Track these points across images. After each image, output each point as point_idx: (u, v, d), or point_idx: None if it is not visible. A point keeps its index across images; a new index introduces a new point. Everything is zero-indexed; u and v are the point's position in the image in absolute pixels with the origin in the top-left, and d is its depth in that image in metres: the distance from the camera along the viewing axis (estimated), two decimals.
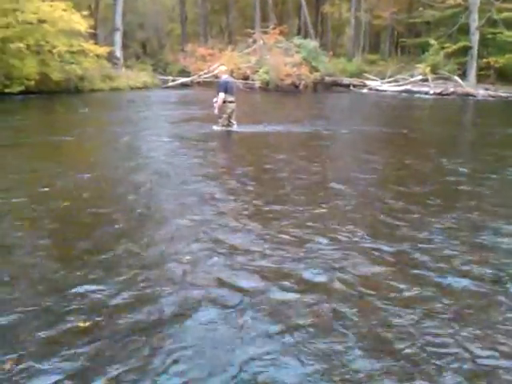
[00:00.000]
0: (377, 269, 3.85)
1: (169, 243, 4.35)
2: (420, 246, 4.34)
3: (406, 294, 3.44)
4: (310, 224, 4.88)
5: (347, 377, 2.52)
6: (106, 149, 9.53)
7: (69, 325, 2.98)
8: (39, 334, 2.88)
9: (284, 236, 4.53)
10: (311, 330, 2.94)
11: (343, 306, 3.23)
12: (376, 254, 4.15)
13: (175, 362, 2.63)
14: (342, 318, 3.09)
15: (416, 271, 3.82)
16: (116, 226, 4.76)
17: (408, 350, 2.75)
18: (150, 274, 3.69)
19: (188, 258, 3.98)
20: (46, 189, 6.11)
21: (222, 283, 3.55)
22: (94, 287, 3.45)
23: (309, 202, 5.69)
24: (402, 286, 3.53)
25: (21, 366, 2.58)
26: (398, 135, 12.27)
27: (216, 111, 11.15)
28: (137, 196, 5.91)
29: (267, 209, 5.45)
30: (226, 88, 10.95)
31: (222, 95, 10.84)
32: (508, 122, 15.84)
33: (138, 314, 3.10)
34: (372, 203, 5.83)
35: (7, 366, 2.59)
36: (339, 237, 4.55)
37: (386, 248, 4.27)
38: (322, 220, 5.05)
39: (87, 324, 2.99)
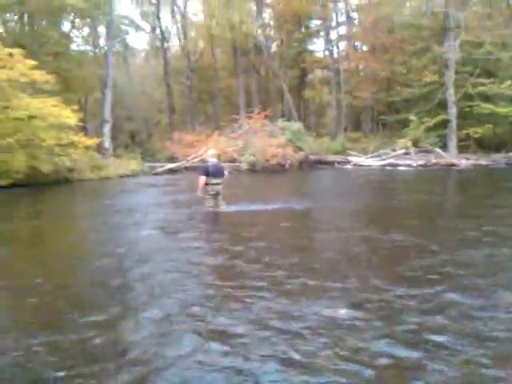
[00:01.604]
0: None
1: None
2: None
3: None
4: None
5: None
6: (83, 240, 9.59)
7: None
8: None
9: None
10: None
11: None
12: None
13: None
14: None
15: None
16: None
17: None
18: None
19: None
20: None
21: None
22: None
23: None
24: None
25: None
26: (374, 208, 12.45)
27: (199, 192, 11.47)
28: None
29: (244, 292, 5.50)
30: (208, 171, 11.31)
31: (202, 178, 11.26)
32: (492, 190, 16.08)
33: None
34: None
35: None
36: None
37: None
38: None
39: None
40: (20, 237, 9.56)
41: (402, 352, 3.57)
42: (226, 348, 3.70)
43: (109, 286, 5.63)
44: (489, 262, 6.11)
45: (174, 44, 50.57)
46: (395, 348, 3.63)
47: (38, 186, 19.58)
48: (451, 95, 29.49)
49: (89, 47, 40.81)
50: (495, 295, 4.81)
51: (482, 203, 12.07)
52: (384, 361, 3.45)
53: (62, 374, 3.35)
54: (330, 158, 29.98)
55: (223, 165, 13.14)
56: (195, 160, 27.95)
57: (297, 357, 3.51)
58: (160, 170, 27.58)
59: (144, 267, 6.47)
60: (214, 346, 3.75)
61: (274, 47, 47.21)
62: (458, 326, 4.03)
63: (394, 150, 29.03)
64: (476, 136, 29.22)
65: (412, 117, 30.59)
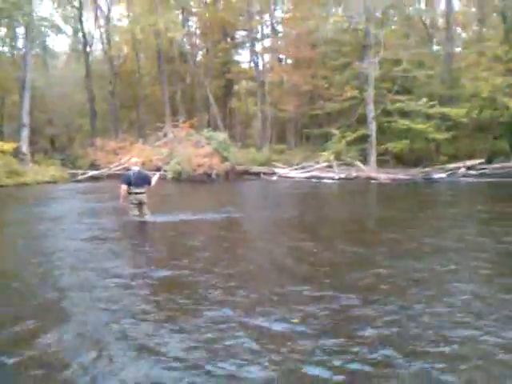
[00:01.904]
0: None
1: None
2: None
3: None
4: None
5: None
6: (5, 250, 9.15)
7: None
8: None
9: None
10: None
11: None
12: None
13: None
14: None
15: None
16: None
17: None
18: None
19: None
20: None
21: None
22: None
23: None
24: None
25: None
26: (303, 219, 12.68)
27: (121, 201, 11.26)
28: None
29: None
30: (130, 180, 11.10)
31: (123, 187, 11.11)
32: (414, 204, 16.75)
33: None
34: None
35: None
36: None
37: None
38: None
39: None
40: None
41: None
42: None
43: (33, 295, 5.44)
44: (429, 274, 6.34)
45: (97, 48, 49.39)
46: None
47: None
48: (371, 111, 30.58)
49: (6, 48, 39.06)
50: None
51: (407, 215, 12.54)
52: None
53: None
54: (256, 168, 30.20)
55: (148, 173, 12.83)
56: (118, 168, 27.31)
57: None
58: (81, 177, 26.78)
59: (72, 278, 6.30)
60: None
61: (199, 56, 47.17)
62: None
63: (318, 163, 29.67)
64: (394, 151, 30.42)
65: (334, 131, 31.38)
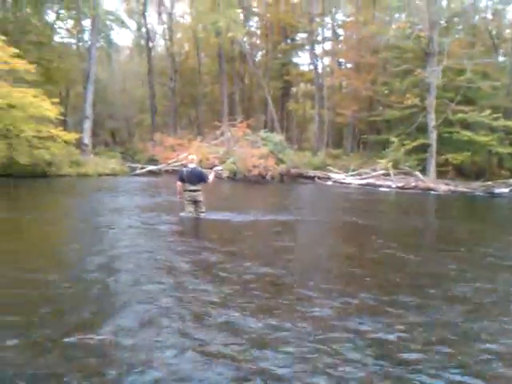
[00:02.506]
0: None
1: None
2: None
3: None
4: None
5: None
6: (63, 233, 9.37)
7: None
8: None
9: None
10: None
11: None
12: None
13: None
14: None
15: None
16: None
17: None
18: None
19: None
20: None
21: None
22: None
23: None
24: None
25: None
26: (356, 225, 12.44)
27: (178, 197, 11.42)
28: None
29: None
30: (183, 177, 11.16)
31: (178, 183, 11.22)
32: (469, 217, 16.25)
33: None
34: None
35: None
36: None
37: None
38: None
39: None
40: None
41: None
42: None
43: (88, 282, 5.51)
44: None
45: (159, 44, 50.31)
46: None
47: (16, 177, 19.12)
48: (432, 120, 29.83)
49: (72, 40, 40.24)
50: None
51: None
52: None
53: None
54: (312, 172, 30.00)
55: (203, 170, 12.76)
56: (176, 164, 27.65)
57: None
58: (140, 171, 27.20)
59: (128, 267, 6.39)
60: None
61: (258, 56, 47.32)
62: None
63: (375, 170, 29.20)
64: (455, 162, 29.64)
65: (393, 138, 30.83)
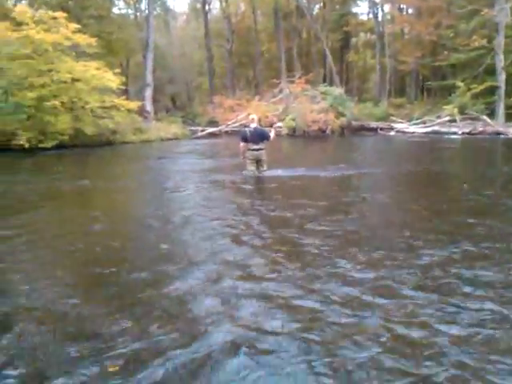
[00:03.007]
0: None
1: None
2: None
3: None
4: None
5: None
6: (139, 198, 9.74)
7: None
8: None
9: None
10: None
11: None
12: None
13: None
14: None
15: None
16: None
17: None
18: None
19: None
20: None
21: None
22: None
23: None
24: None
25: None
26: (425, 173, 12.14)
27: (242, 157, 11.46)
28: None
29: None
30: (246, 137, 11.19)
31: (241, 144, 11.23)
32: None
33: None
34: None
35: None
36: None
37: None
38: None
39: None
40: (70, 195, 9.74)
41: None
42: None
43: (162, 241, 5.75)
44: None
45: (215, 6, 50.06)
46: None
47: (83, 147, 19.90)
48: (500, 61, 28.29)
49: (130, 10, 40.85)
50: None
51: None
52: None
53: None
54: (373, 124, 29.38)
55: (265, 129, 12.81)
56: (235, 124, 27.85)
57: None
58: (201, 134, 27.62)
59: (193, 224, 6.60)
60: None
61: (316, 9, 46.16)
62: None
63: (439, 117, 28.23)
64: None
65: (459, 83, 29.54)
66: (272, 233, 6.00)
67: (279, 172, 11.84)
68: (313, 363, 2.87)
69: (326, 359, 2.91)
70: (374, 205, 8.14)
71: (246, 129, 11.57)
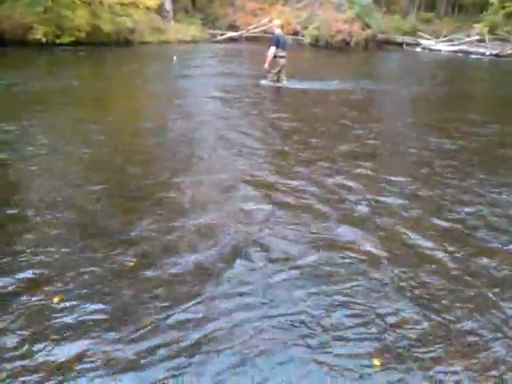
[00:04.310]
0: None
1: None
2: None
3: None
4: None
5: None
6: (154, 100, 9.67)
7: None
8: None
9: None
10: None
11: None
12: None
13: None
14: None
15: None
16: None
17: None
18: None
19: None
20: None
21: None
22: None
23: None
24: None
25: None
26: (442, 95, 11.87)
27: (266, 65, 11.11)
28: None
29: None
30: (279, 42, 10.89)
31: (273, 49, 10.83)
32: None
33: None
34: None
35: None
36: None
37: None
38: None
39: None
40: (89, 97, 9.68)
41: None
42: None
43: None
44: None
45: None
46: None
47: (100, 45, 19.45)
48: None
49: None
50: None
51: None
52: None
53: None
54: (399, 38, 28.30)
55: (287, 37, 12.49)
56: (257, 30, 26.98)
57: None
58: (220, 37, 26.79)
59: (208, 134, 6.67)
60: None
61: None
62: None
63: (468, 36, 27.11)
64: None
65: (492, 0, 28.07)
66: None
67: (300, 84, 11.65)
68: None
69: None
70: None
71: (279, 33, 11.22)
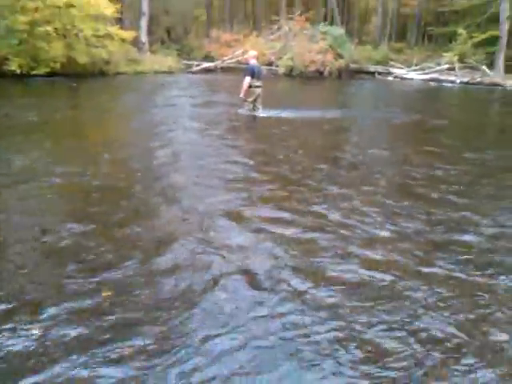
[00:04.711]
0: None
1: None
2: None
3: None
4: None
5: None
6: (130, 129, 9.68)
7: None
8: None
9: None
10: None
11: None
12: None
13: None
14: None
15: None
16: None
17: None
18: None
19: None
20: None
21: None
22: None
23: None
24: None
25: None
26: (413, 124, 12.09)
27: (242, 95, 11.23)
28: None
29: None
30: (254, 73, 11.05)
31: (247, 79, 10.98)
32: None
33: None
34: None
35: None
36: None
37: None
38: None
39: None
40: (61, 126, 9.64)
41: None
42: None
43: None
44: None
45: None
46: None
47: (75, 76, 19.46)
48: (505, 9, 27.63)
49: None
50: None
51: None
52: None
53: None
54: (372, 67, 28.94)
55: (262, 67, 12.71)
56: (231, 61, 27.32)
57: None
58: (196, 68, 27.06)
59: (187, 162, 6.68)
60: None
61: None
62: None
63: (439, 65, 27.84)
64: None
65: (461, 30, 28.94)
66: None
67: (275, 113, 11.78)
68: None
69: None
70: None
71: (254, 64, 11.38)
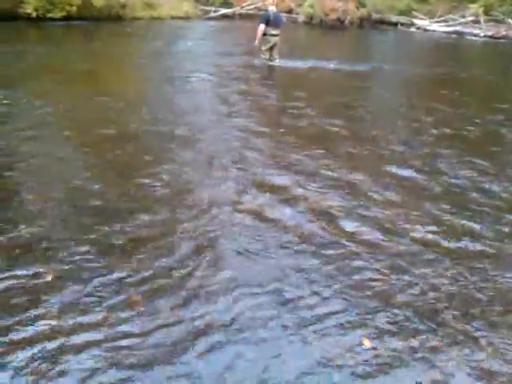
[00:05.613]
0: None
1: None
2: None
3: None
4: None
5: None
6: (146, 80, 9.64)
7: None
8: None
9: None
10: None
11: None
12: None
13: None
14: None
15: None
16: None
17: None
18: None
19: None
20: None
21: None
22: None
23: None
24: None
25: None
26: (433, 77, 11.86)
27: (256, 42, 11.09)
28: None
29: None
30: (269, 20, 10.83)
31: (261, 27, 10.82)
32: None
33: None
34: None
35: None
36: None
37: None
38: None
39: None
40: (79, 75, 9.60)
41: None
42: None
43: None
44: None
45: None
46: None
47: (91, 20, 19.16)
48: None
49: None
50: None
51: None
52: None
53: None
54: (394, 18, 28.05)
55: (282, 14, 12.40)
56: (251, 7, 26.66)
57: None
58: (213, 14, 26.45)
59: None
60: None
61: None
62: None
63: (463, 17, 26.91)
64: None
65: None
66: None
67: (292, 63, 11.61)
68: None
69: None
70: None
71: (270, 11, 11.16)
